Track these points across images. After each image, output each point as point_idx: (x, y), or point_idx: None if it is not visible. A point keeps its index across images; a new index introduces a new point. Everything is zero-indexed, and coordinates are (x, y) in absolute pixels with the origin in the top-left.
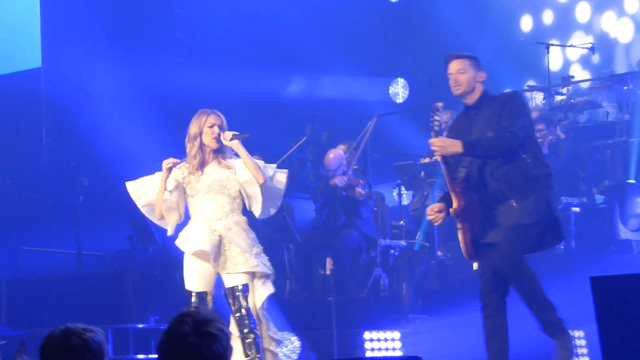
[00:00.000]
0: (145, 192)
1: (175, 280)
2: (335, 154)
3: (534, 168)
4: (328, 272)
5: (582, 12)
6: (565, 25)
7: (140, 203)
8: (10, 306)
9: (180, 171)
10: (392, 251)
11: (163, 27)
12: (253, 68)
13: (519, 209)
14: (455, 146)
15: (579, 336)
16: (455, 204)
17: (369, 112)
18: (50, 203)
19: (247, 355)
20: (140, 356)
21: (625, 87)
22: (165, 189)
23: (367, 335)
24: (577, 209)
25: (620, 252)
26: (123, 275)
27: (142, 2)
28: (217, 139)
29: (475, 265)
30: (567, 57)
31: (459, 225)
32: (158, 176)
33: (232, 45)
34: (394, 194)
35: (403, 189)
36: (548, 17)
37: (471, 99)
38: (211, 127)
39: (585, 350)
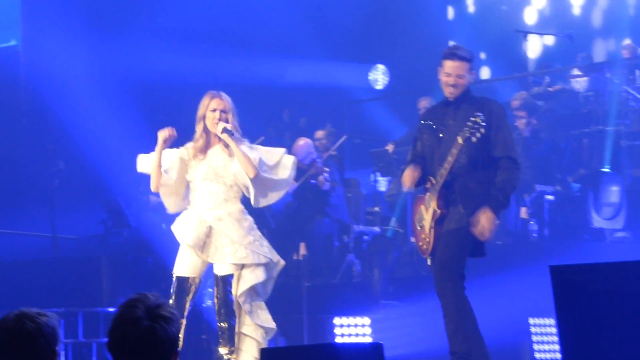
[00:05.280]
0: (145, 161)
1: (147, 264)
2: (303, 143)
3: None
4: (300, 258)
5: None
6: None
7: (138, 168)
8: None
9: (187, 152)
10: (365, 237)
11: (143, 10)
12: (231, 53)
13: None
14: (492, 223)
15: (550, 324)
16: (437, 205)
17: (347, 98)
18: (26, 185)
19: (219, 343)
20: None
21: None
22: (160, 165)
23: (337, 320)
24: (551, 197)
25: (594, 240)
26: (96, 259)
27: None
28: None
29: (429, 261)
30: (545, 44)
31: (432, 225)
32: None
33: (211, 29)
34: (371, 179)
35: (379, 175)
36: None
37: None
38: (213, 111)
39: (556, 338)
